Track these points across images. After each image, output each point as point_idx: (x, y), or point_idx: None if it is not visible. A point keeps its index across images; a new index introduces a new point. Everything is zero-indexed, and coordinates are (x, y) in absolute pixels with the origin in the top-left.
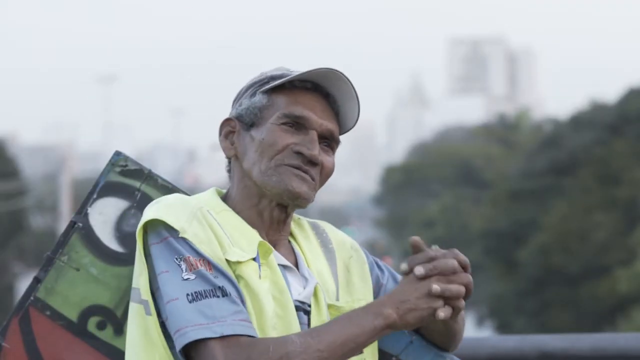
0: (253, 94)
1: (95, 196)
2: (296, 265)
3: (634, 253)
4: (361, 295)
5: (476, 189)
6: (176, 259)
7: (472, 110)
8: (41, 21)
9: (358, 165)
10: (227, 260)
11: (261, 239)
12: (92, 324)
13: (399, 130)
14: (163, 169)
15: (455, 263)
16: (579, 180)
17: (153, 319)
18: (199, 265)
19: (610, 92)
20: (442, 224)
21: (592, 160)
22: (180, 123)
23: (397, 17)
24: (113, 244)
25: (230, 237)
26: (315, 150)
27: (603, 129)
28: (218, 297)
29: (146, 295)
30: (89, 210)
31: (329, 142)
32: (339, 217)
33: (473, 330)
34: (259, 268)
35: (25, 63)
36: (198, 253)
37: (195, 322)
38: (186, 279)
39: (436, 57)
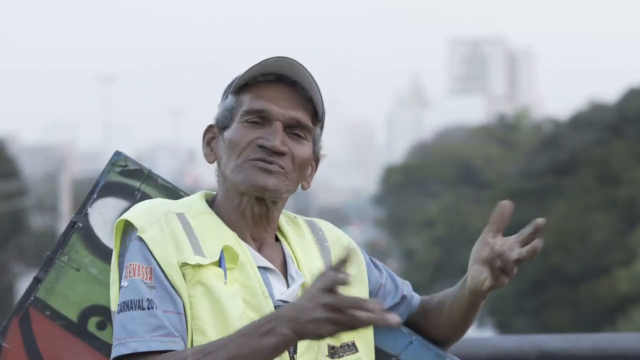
0: (225, 97)
1: (95, 196)
2: (284, 265)
3: (633, 253)
4: (357, 294)
5: (476, 189)
6: (126, 266)
7: (472, 110)
8: (41, 21)
9: (358, 165)
10: (186, 264)
11: (227, 244)
12: (92, 324)
13: (399, 130)
14: (163, 169)
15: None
16: (579, 180)
17: None
18: (137, 273)
19: (610, 92)
20: (442, 224)
21: (592, 160)
22: (180, 123)
23: (397, 17)
24: (113, 244)
25: (201, 241)
26: (276, 140)
27: (603, 129)
28: (143, 309)
29: (114, 305)
30: (89, 210)
31: (299, 130)
32: (339, 217)
33: (473, 330)
34: (225, 273)
35: (25, 63)
36: (146, 259)
37: (117, 337)
38: (122, 286)
39: (436, 57)
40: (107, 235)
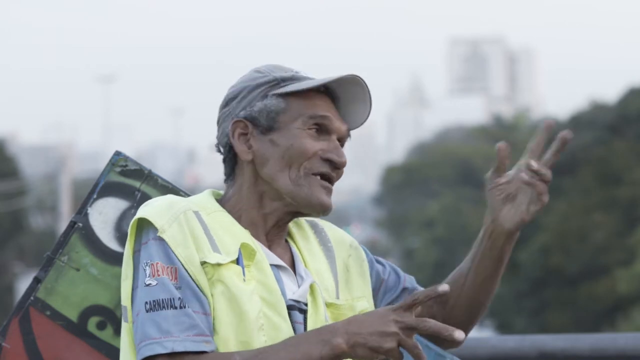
0: (264, 96)
1: (95, 196)
2: (293, 264)
3: (633, 253)
4: (360, 293)
5: (476, 189)
6: (145, 264)
7: (471, 110)
8: (41, 20)
9: (358, 165)
10: (206, 262)
11: (244, 241)
12: (92, 324)
13: (399, 130)
14: (163, 169)
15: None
16: (579, 180)
17: (128, 326)
18: (163, 272)
19: (610, 92)
20: (442, 224)
21: (592, 160)
22: (180, 123)
23: (397, 16)
24: (113, 244)
25: (218, 239)
26: (344, 157)
27: (603, 129)
28: (175, 308)
29: (126, 301)
30: (89, 210)
31: (342, 143)
32: (339, 217)
33: (473, 330)
34: (243, 270)
35: (26, 62)
36: (170, 259)
37: (149, 336)
38: (147, 285)
39: (436, 57)
40: (107, 235)
